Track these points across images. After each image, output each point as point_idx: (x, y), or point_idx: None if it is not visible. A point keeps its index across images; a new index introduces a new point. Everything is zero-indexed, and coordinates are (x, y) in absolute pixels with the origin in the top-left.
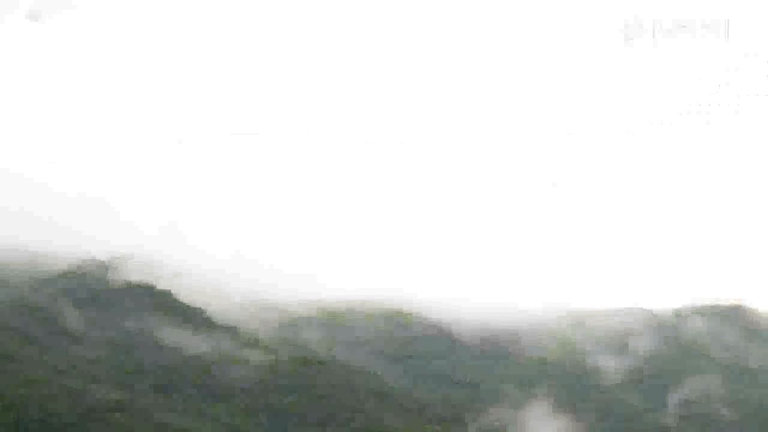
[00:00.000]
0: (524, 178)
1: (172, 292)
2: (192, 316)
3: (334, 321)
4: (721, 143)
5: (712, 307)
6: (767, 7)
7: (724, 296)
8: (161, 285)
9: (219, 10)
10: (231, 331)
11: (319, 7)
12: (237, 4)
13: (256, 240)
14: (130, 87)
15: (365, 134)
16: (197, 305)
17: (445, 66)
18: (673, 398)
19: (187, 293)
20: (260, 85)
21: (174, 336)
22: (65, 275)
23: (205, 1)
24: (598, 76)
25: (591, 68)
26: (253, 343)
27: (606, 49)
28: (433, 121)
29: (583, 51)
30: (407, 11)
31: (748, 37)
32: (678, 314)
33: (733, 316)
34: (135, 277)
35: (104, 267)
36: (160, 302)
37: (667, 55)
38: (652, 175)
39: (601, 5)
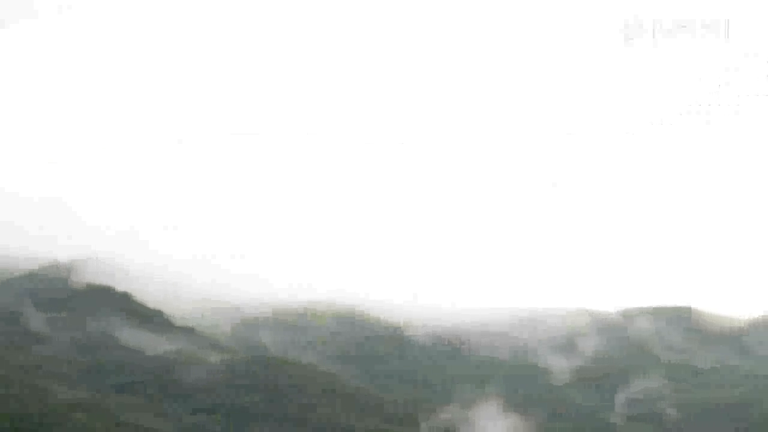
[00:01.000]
0: (522, 178)
1: (132, 294)
2: (151, 318)
3: (290, 322)
4: (721, 143)
5: (659, 308)
6: (767, 7)
7: (671, 298)
8: (121, 287)
9: (217, 11)
10: (189, 332)
11: (319, 8)
12: (237, 4)
13: (214, 243)
14: (93, 91)
15: (361, 134)
16: (156, 307)
17: (445, 66)
18: (620, 397)
19: (146, 295)
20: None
21: (134, 336)
22: (28, 277)
23: (204, 1)
24: (598, 76)
25: (591, 68)
26: (211, 343)
27: (606, 49)
28: (433, 122)
29: (583, 51)
30: (407, 11)
31: (748, 37)
32: (625, 315)
33: (679, 317)
34: (96, 279)
35: (66, 269)
36: (120, 304)
37: (667, 55)
38: (652, 175)
39: (601, 5)
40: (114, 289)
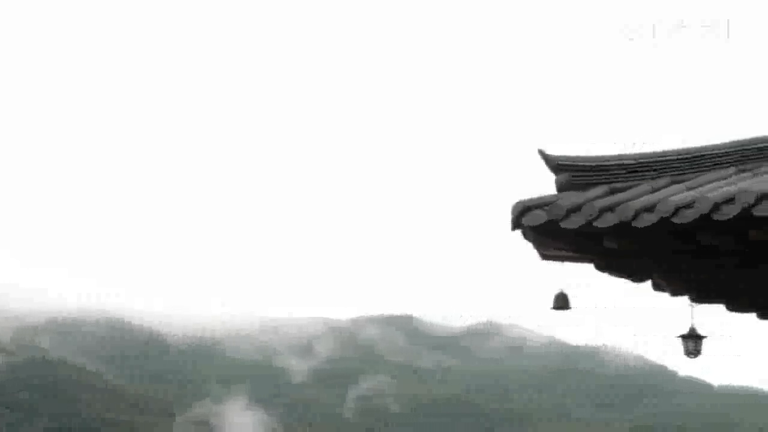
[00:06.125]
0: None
1: None
2: None
3: (64, 327)
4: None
5: (385, 316)
6: (767, 7)
7: (395, 307)
8: None
9: (217, 10)
10: None
11: (319, 7)
12: (236, 4)
13: None
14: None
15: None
16: None
17: (444, 66)
18: (351, 394)
19: None
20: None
21: None
22: None
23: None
24: (598, 76)
25: (591, 68)
26: None
27: (606, 49)
28: (431, 122)
29: (583, 51)
30: (406, 11)
31: (748, 37)
32: (355, 322)
33: (402, 324)
34: None
35: None
36: None
37: (667, 55)
38: None
39: (601, 5)
40: None
